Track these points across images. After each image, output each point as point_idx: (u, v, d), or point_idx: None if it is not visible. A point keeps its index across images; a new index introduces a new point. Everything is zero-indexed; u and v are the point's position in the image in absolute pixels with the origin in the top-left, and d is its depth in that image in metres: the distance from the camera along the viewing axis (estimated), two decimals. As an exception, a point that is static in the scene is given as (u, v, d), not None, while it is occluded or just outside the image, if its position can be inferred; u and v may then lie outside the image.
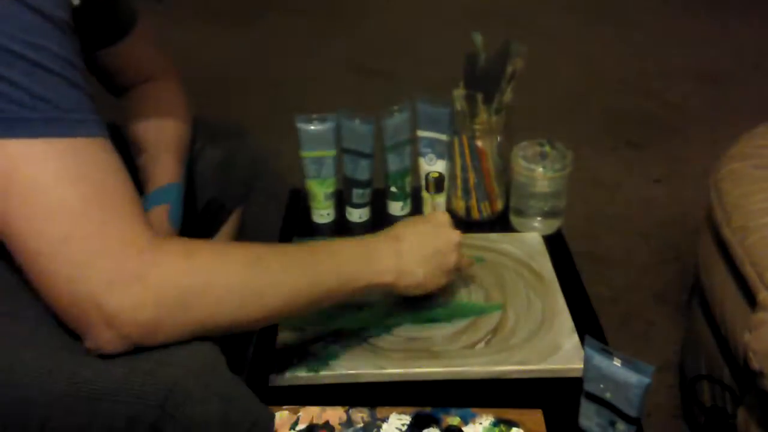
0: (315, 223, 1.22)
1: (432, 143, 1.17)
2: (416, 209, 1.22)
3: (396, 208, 1.23)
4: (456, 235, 0.94)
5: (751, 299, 1.03)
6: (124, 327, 0.67)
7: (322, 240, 0.89)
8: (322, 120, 1.16)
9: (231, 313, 0.72)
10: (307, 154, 1.17)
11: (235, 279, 0.73)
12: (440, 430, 0.83)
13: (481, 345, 0.95)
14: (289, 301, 0.77)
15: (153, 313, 0.67)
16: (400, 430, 0.83)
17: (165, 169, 0.97)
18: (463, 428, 0.83)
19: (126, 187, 0.70)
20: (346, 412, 0.85)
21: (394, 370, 0.91)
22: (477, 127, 1.14)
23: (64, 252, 0.65)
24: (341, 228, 1.22)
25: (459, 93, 1.14)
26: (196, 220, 1.15)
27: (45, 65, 0.65)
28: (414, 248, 0.90)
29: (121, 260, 0.66)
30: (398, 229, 0.92)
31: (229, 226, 1.20)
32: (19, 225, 0.65)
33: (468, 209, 1.21)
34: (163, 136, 1.01)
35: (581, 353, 0.88)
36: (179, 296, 0.69)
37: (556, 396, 0.88)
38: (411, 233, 0.92)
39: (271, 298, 0.75)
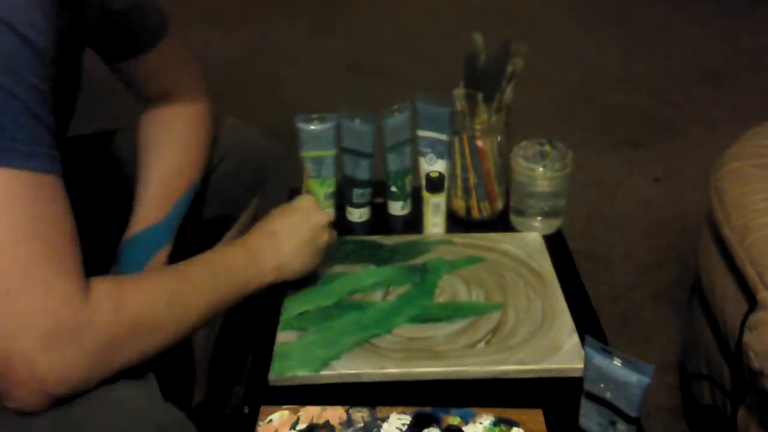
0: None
1: (432, 143, 1.17)
2: (417, 209, 1.22)
3: (396, 207, 1.23)
4: (323, 216, 1.00)
5: (751, 299, 1.03)
6: (53, 387, 0.65)
7: (211, 250, 0.92)
8: (322, 120, 1.16)
9: (154, 346, 0.75)
10: (307, 153, 1.17)
11: (160, 316, 0.76)
12: (440, 429, 0.83)
13: (482, 345, 0.95)
14: (198, 323, 0.81)
15: (85, 372, 0.67)
16: (401, 429, 0.83)
17: (148, 209, 0.97)
18: (464, 428, 0.83)
19: (71, 234, 0.69)
20: (347, 411, 0.85)
21: (394, 370, 0.91)
22: (477, 126, 1.14)
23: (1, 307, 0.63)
24: (342, 228, 1.22)
25: (459, 93, 1.14)
26: (198, 237, 1.15)
27: (8, 88, 0.63)
28: (289, 240, 0.95)
29: (59, 319, 0.65)
30: (272, 223, 0.97)
31: (235, 230, 1.20)
32: None
33: (468, 209, 1.21)
34: (158, 169, 1.00)
35: (581, 353, 0.88)
36: (111, 349, 0.69)
37: (556, 396, 0.88)
38: (284, 226, 0.96)
39: (187, 324, 0.80)
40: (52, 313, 0.65)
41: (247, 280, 0.89)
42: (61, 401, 0.67)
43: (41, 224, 0.66)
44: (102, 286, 0.70)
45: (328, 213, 1.03)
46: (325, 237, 1.00)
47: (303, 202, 1.01)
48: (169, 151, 1.01)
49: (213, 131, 1.07)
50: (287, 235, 0.95)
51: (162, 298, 0.76)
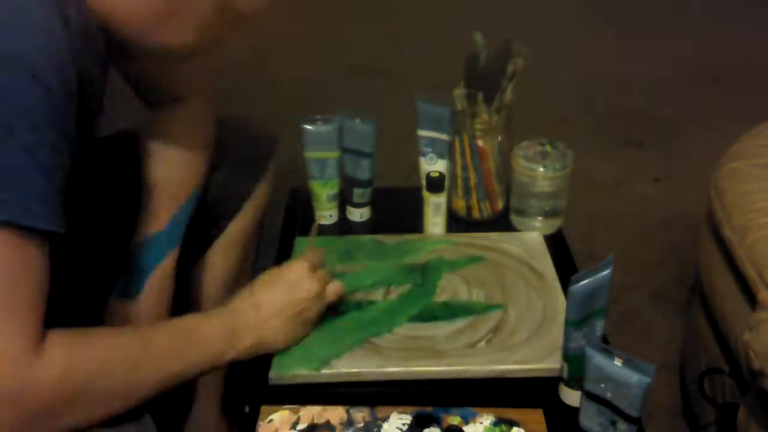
0: (318, 224, 1.22)
1: (432, 143, 1.17)
2: (417, 208, 1.22)
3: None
4: (313, 286, 0.93)
5: (751, 298, 1.03)
6: None
7: (188, 317, 0.87)
8: (326, 121, 1.16)
9: (105, 411, 0.72)
10: (310, 154, 1.17)
11: (114, 381, 0.73)
12: (441, 429, 0.83)
13: (482, 344, 0.95)
14: (159, 390, 0.78)
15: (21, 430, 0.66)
16: (401, 429, 0.83)
17: (150, 217, 0.97)
18: (464, 428, 0.83)
19: (39, 289, 0.67)
20: (347, 411, 0.85)
21: (394, 369, 0.91)
22: (477, 126, 1.14)
23: None
24: (344, 228, 1.22)
25: (459, 92, 1.14)
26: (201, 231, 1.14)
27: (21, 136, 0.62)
28: (273, 313, 0.90)
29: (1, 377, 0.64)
30: (256, 294, 0.91)
31: (240, 222, 1.17)
32: None
33: (468, 209, 1.21)
34: (161, 178, 0.99)
35: (582, 352, 0.88)
36: (53, 411, 0.67)
37: (556, 395, 0.88)
38: (270, 297, 0.91)
39: (144, 392, 0.76)
40: None
41: (222, 353, 0.85)
42: None
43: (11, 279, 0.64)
44: (58, 343, 0.68)
45: (319, 278, 0.95)
46: (314, 309, 0.94)
47: (291, 271, 0.94)
48: (173, 161, 1.00)
49: (215, 139, 1.06)
50: (270, 310, 0.90)
51: (121, 364, 0.74)
